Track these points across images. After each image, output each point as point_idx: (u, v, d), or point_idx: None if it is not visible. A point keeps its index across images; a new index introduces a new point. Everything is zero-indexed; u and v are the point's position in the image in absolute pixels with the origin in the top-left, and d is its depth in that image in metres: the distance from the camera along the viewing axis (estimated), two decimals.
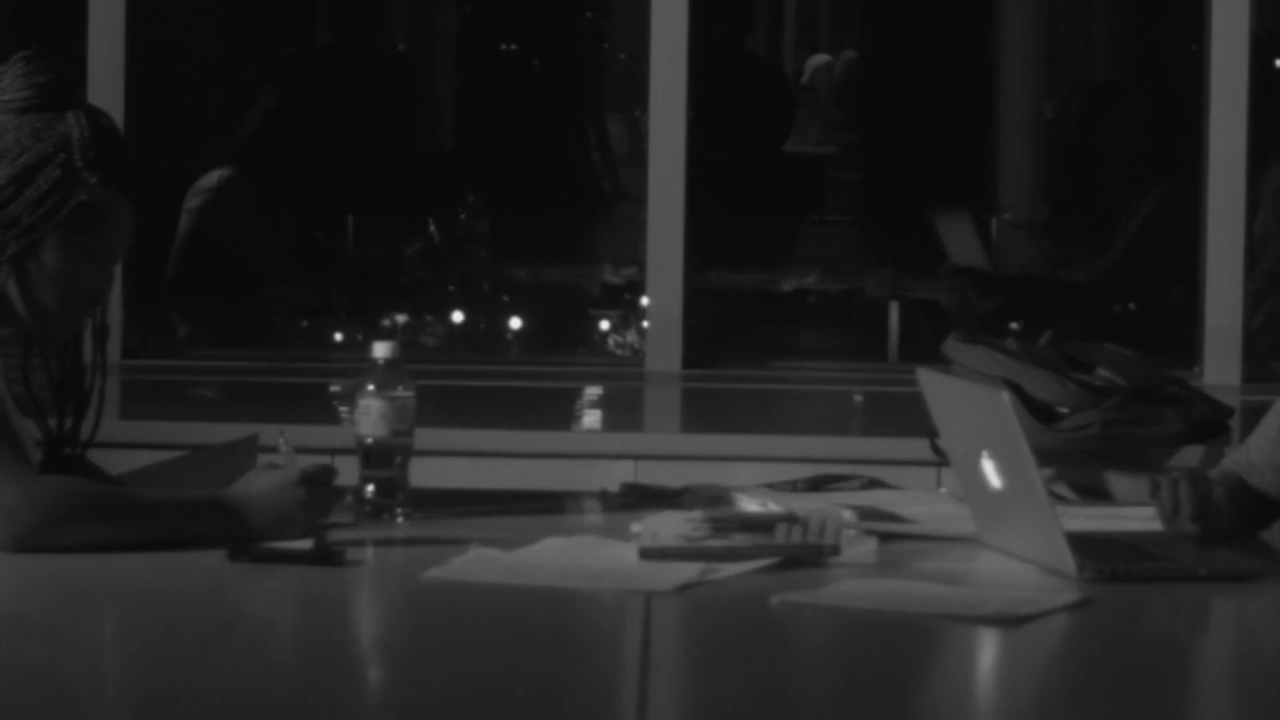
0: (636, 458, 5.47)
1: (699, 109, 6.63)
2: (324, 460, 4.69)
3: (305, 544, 4.37)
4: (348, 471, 4.79)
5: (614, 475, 5.13)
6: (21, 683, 3.70)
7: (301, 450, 4.71)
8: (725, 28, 10.23)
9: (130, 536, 4.31)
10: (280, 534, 4.35)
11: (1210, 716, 3.88)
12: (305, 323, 8.07)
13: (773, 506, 4.77)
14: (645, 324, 6.69)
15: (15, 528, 4.19)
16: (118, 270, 4.76)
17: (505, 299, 8.24)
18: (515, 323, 7.95)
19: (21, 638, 3.91)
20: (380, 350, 4.77)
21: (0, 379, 4.39)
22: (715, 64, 9.42)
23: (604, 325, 7.60)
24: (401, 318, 7.85)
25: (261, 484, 4.48)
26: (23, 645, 3.87)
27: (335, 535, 4.47)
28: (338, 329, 7.72)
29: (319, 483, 4.49)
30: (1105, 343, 5.76)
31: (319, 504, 4.43)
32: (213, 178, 8.15)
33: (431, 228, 8.64)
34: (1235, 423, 5.56)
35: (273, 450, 4.70)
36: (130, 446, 5.00)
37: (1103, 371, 5.53)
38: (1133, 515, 4.79)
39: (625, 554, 4.37)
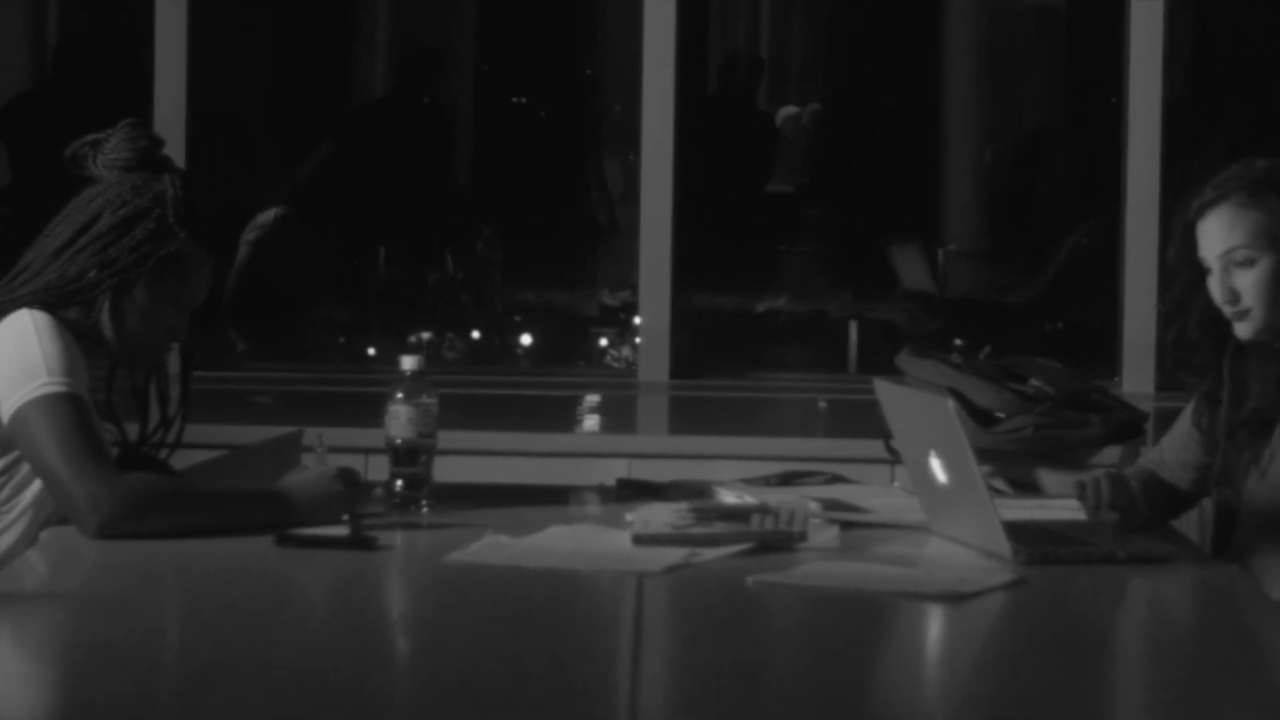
0: (630, 456, 5.46)
1: (690, 150, 6.62)
2: (354, 462, 4.70)
3: (342, 531, 4.37)
4: (379, 468, 4.78)
5: (610, 472, 5.13)
6: (97, 653, 3.71)
7: (339, 449, 4.72)
8: (721, 82, 10.27)
9: (197, 524, 4.32)
10: (320, 520, 4.36)
11: (1128, 680, 3.88)
12: (343, 339, 8.07)
13: (748, 499, 4.77)
14: (638, 340, 6.68)
15: (101, 517, 4.19)
16: None
17: (516, 318, 8.24)
18: (525, 339, 7.95)
19: (98, 614, 3.91)
20: (408, 363, 4.77)
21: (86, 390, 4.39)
22: (709, 113, 9.46)
23: (602, 341, 7.60)
24: (426, 335, 7.84)
25: (304, 478, 4.50)
26: (99, 620, 3.88)
27: (369, 523, 4.46)
28: (371, 345, 7.72)
29: (348, 481, 4.50)
30: (1037, 357, 5.76)
31: (350, 496, 4.44)
32: (268, 215, 8.17)
33: (448, 260, 8.64)
34: (1150, 426, 5.56)
35: (309, 450, 4.71)
36: (194, 446, 4.98)
37: (1035, 382, 5.53)
38: (1060, 506, 4.80)
39: (620, 540, 4.37)
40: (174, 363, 4.79)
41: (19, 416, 4.27)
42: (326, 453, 4.63)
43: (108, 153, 4.55)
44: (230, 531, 4.33)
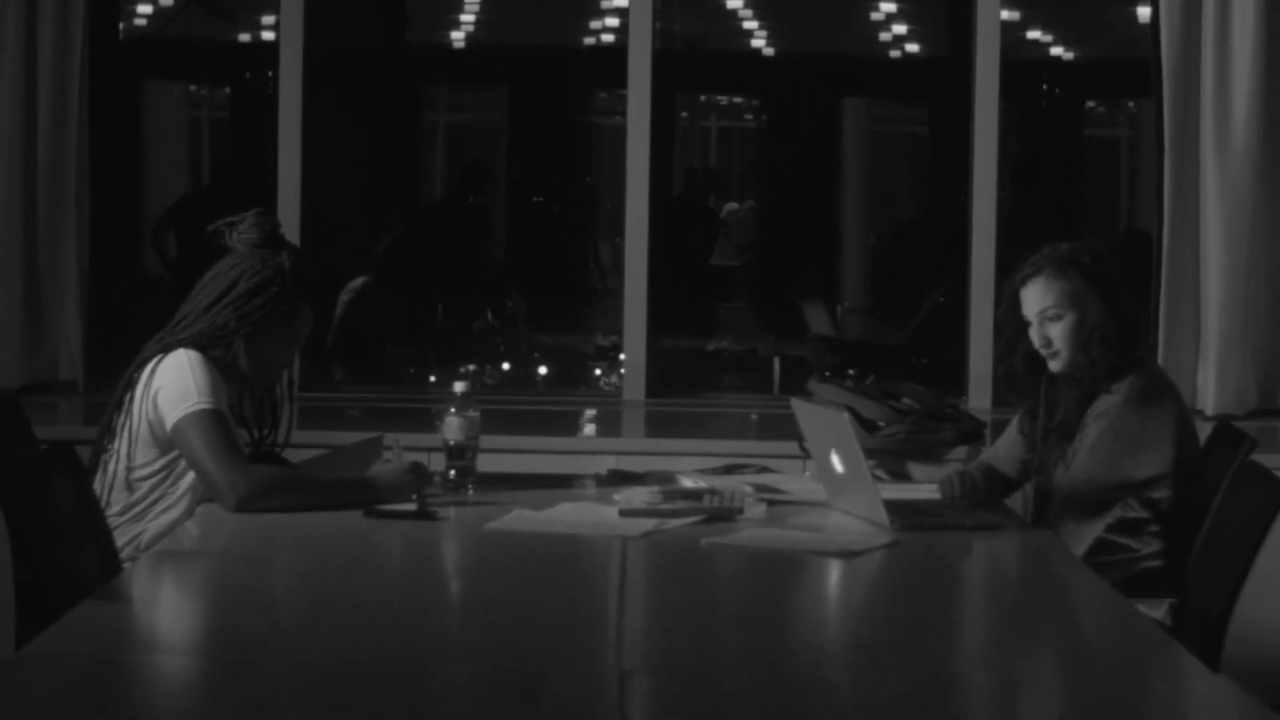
0: (616, 454, 5.44)
1: (660, 236, 6.61)
2: (420, 458, 4.69)
3: (412, 507, 4.37)
4: (438, 462, 4.78)
5: (602, 465, 5.11)
6: (235, 595, 3.72)
7: (409, 448, 4.71)
8: (684, 187, 10.26)
9: (307, 503, 4.32)
10: (395, 500, 4.36)
11: (972, 612, 3.90)
12: (412, 370, 8.04)
13: (701, 483, 4.76)
14: (622, 370, 6.66)
15: (237, 498, 4.20)
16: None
17: (535, 355, 8.21)
18: (542, 370, 7.92)
19: (234, 565, 3.91)
20: (458, 387, 4.76)
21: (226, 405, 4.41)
22: (674, 209, 9.46)
23: (597, 371, 7.58)
24: (471, 366, 7.81)
25: (385, 469, 4.50)
26: (235, 569, 3.88)
27: (431, 502, 4.46)
28: (431, 374, 7.69)
29: (416, 472, 4.51)
30: (908, 382, 5.76)
31: (417, 483, 4.44)
32: (357, 282, 8.16)
33: (488, 313, 8.63)
34: (988, 432, 5.56)
35: (389, 449, 4.71)
36: (305, 446, 4.98)
37: (906, 400, 5.53)
38: (924, 489, 4.79)
39: (610, 514, 4.35)
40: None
41: (178, 426, 4.28)
42: (402, 452, 4.64)
43: (241, 231, 4.55)
44: (331, 508, 4.33)
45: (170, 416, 4.30)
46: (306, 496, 4.37)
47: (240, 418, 4.59)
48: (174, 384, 4.33)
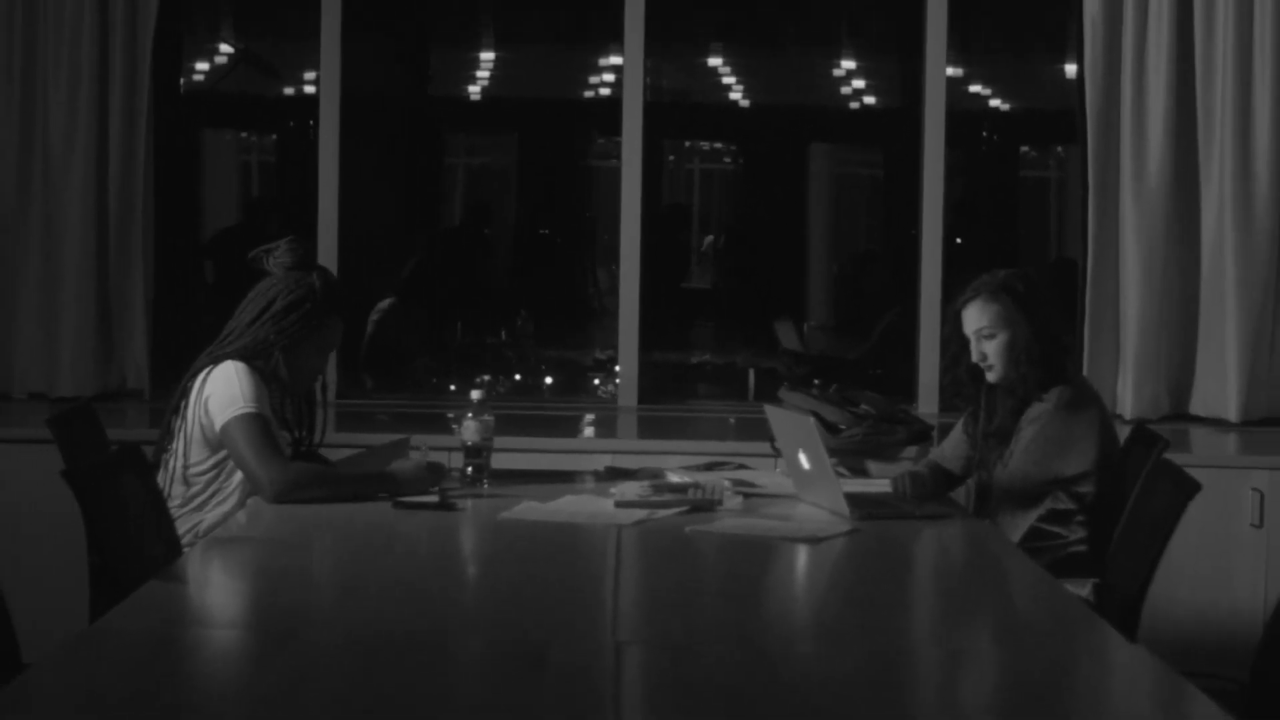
0: (612, 453, 5.43)
1: (650, 264, 6.61)
2: (441, 457, 4.69)
3: (434, 498, 4.37)
4: (457, 459, 4.77)
5: (600, 462, 5.11)
6: (279, 576, 3.72)
7: (433, 447, 4.72)
8: (669, 220, 10.24)
9: (336, 495, 4.32)
10: (414, 492, 4.36)
11: (921, 590, 3.91)
12: (434, 379, 8.04)
13: (686, 478, 4.75)
14: (617, 380, 6.66)
15: (275, 491, 4.21)
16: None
17: (542, 367, 8.21)
18: (548, 380, 7.92)
19: (278, 550, 3.91)
20: (475, 394, 4.76)
21: (269, 408, 4.41)
22: (660, 241, 9.45)
23: (596, 381, 7.58)
24: (486, 377, 7.82)
25: (404, 466, 4.50)
26: (279, 553, 3.88)
27: (451, 494, 4.46)
28: (452, 383, 7.68)
29: (433, 470, 4.52)
30: (865, 390, 5.77)
31: (432, 479, 4.44)
32: (384, 303, 8.15)
33: (501, 331, 8.63)
34: (935, 434, 5.57)
35: (415, 449, 4.71)
36: (340, 446, 4.98)
37: (864, 406, 5.54)
38: (879, 484, 4.79)
39: (607, 505, 4.35)
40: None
41: (225, 428, 4.29)
42: (427, 452, 4.65)
43: (277, 256, 4.56)
44: (358, 500, 4.33)
45: (219, 419, 4.32)
46: (335, 489, 4.38)
47: (283, 420, 4.60)
48: (222, 391, 4.35)
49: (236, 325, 4.51)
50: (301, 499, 4.27)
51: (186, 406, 4.40)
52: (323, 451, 4.85)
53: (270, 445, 4.30)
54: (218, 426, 4.32)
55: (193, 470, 4.40)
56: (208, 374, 4.39)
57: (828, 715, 2.71)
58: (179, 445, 4.40)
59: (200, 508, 4.40)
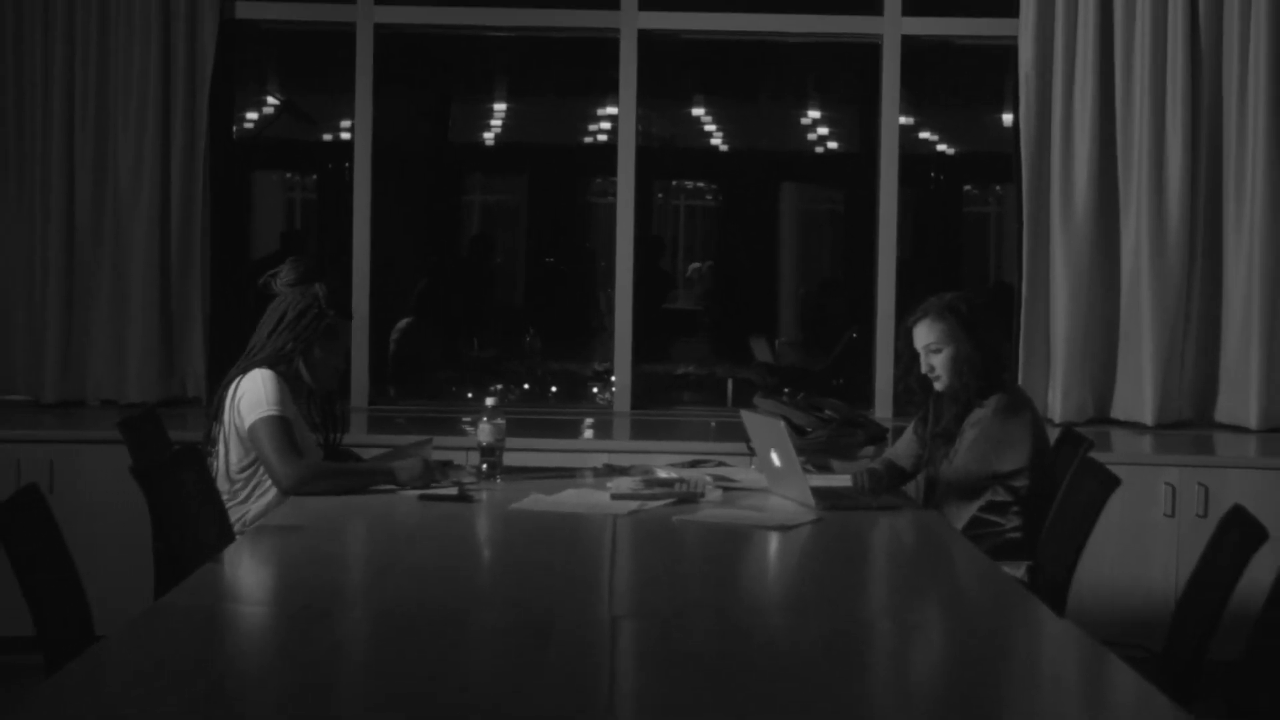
0: (609, 451, 5.42)
1: (640, 288, 6.60)
2: (457, 455, 4.68)
3: (454, 491, 4.36)
4: (473, 458, 4.77)
5: (599, 459, 5.11)
6: (317, 559, 3.71)
7: (453, 448, 4.73)
8: (649, 249, 10.22)
9: (342, 488, 4.32)
10: (411, 486, 4.39)
11: (875, 570, 3.90)
12: (454, 388, 8.02)
13: (673, 474, 4.75)
14: (613, 389, 6.66)
15: (287, 484, 4.21)
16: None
17: (548, 377, 8.19)
18: (554, 389, 7.90)
19: (320, 537, 3.90)
20: (489, 401, 4.76)
21: (294, 409, 4.42)
22: (647, 268, 9.44)
23: (595, 390, 7.56)
24: (499, 386, 7.79)
25: (404, 463, 4.48)
26: (319, 540, 3.87)
27: (469, 488, 4.46)
28: (469, 392, 7.67)
29: (431, 466, 4.49)
30: (829, 397, 5.75)
31: (428, 475, 4.43)
32: (403, 322, 8.14)
33: (522, 360, 8.61)
34: (889, 435, 5.56)
35: (423, 442, 4.72)
36: (371, 446, 4.97)
37: (827, 411, 5.51)
38: (841, 479, 4.78)
39: (605, 497, 4.35)
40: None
41: (252, 427, 4.29)
42: (431, 450, 4.65)
43: (282, 276, 4.56)
44: (362, 491, 4.35)
45: (248, 420, 4.33)
46: (341, 482, 4.38)
47: (312, 423, 4.60)
48: (251, 395, 4.36)
49: (258, 340, 4.52)
50: (312, 491, 4.27)
51: (223, 412, 4.41)
52: (355, 450, 4.86)
53: (288, 444, 4.30)
54: (246, 426, 4.34)
55: (234, 468, 4.39)
56: (239, 382, 4.40)
57: (795, 679, 2.71)
58: (220, 448, 4.40)
59: (245, 500, 4.39)
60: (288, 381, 4.44)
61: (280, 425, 4.30)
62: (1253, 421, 6.19)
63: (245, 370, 4.43)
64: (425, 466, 4.49)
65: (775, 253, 10.49)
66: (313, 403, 4.62)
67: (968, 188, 10.65)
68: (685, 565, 3.75)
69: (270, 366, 4.43)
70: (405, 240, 9.38)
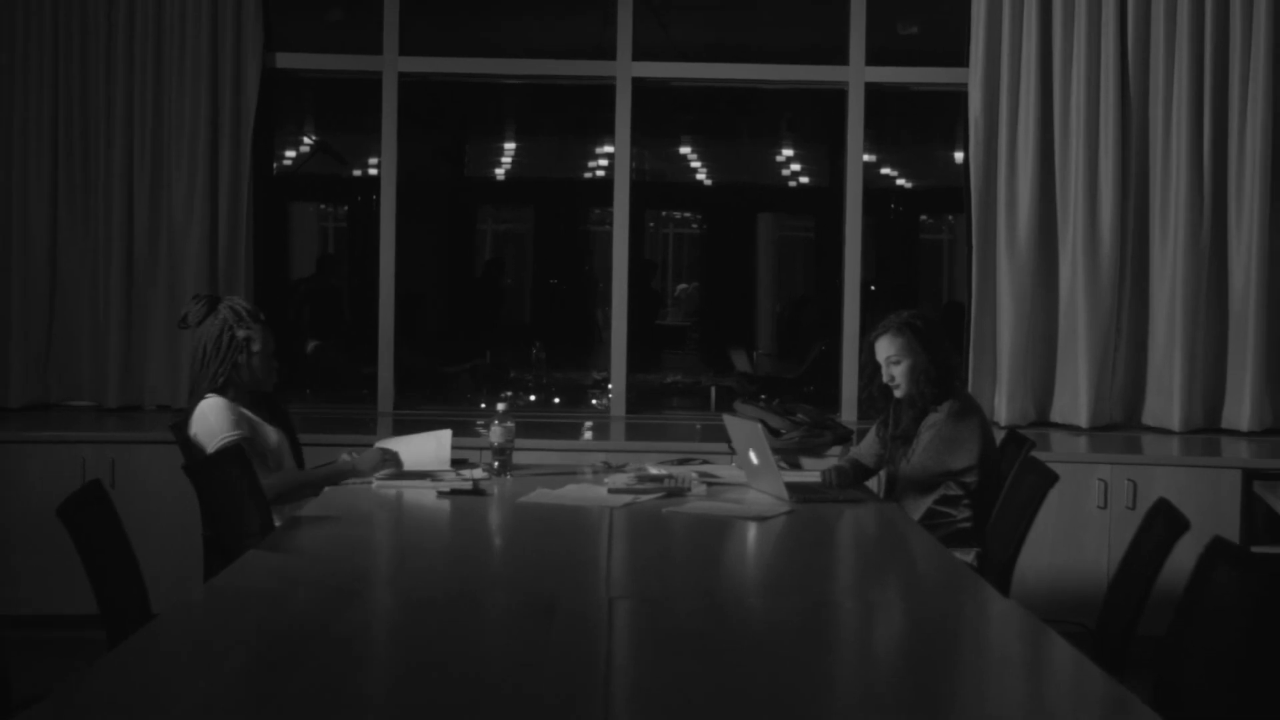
0: (606, 451, 5.43)
1: (634, 307, 6.59)
2: (471, 455, 4.65)
3: (468, 485, 4.36)
4: (486, 456, 4.76)
5: (597, 458, 5.11)
6: (348, 545, 3.71)
7: (469, 448, 4.71)
8: (642, 272, 10.22)
9: (313, 490, 4.33)
10: (372, 474, 4.41)
11: (844, 558, 3.90)
12: (469, 395, 8.01)
13: (663, 471, 4.76)
14: (610, 395, 6.66)
15: (270, 495, 4.17)
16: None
17: (552, 385, 8.19)
18: (556, 401, 7.89)
19: (350, 527, 3.89)
20: (500, 407, 4.76)
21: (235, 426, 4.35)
22: (640, 291, 9.44)
23: (594, 396, 7.55)
24: (509, 393, 7.78)
25: (362, 457, 4.50)
26: (349, 529, 3.86)
27: (483, 484, 4.46)
28: (483, 400, 7.65)
29: (383, 455, 4.51)
30: (801, 403, 5.77)
31: (385, 462, 4.46)
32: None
33: (530, 370, 8.61)
34: (854, 437, 5.56)
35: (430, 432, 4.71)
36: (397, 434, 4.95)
37: (799, 415, 5.53)
38: (811, 475, 4.78)
39: (602, 491, 4.35)
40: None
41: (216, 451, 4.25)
42: (382, 450, 4.58)
43: (190, 317, 4.52)
44: (326, 486, 4.36)
45: (210, 446, 4.30)
46: (311, 485, 4.36)
47: (266, 417, 4.52)
48: (203, 430, 4.33)
49: (192, 376, 4.49)
50: (289, 499, 4.27)
51: (191, 451, 4.36)
52: (371, 439, 4.83)
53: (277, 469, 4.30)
54: (210, 449, 4.30)
55: None
56: (190, 422, 4.37)
57: (770, 651, 2.72)
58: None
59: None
60: (238, 396, 4.42)
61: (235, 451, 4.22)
62: (1175, 424, 6.20)
63: (192, 407, 4.41)
64: (381, 456, 4.50)
65: (753, 275, 10.49)
66: (262, 403, 4.55)
67: (923, 217, 10.67)
68: (674, 551, 3.75)
69: (215, 393, 4.40)
70: (427, 264, 9.38)
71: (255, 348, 4.48)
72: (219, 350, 4.45)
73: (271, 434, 4.47)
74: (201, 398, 4.39)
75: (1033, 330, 6.29)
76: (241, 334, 4.47)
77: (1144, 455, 5.70)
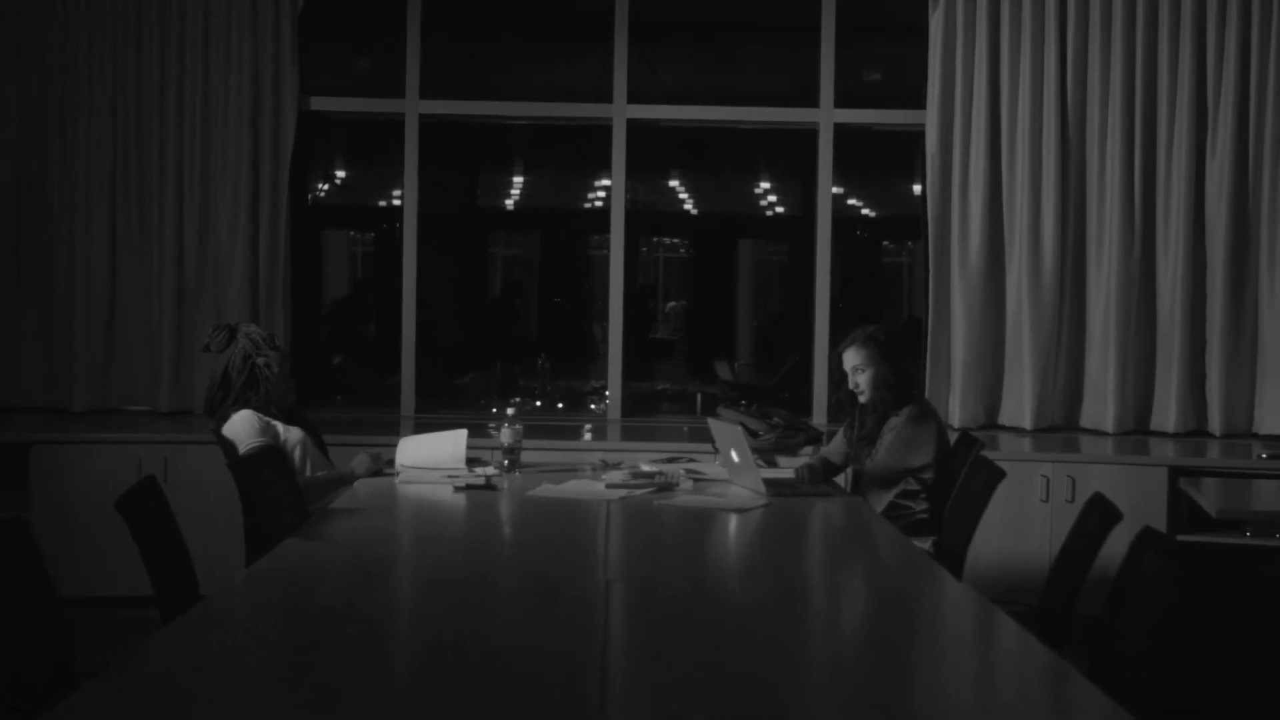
0: (604, 451, 5.43)
1: (629, 323, 6.60)
2: (484, 454, 4.63)
3: (481, 481, 4.36)
4: (496, 455, 4.75)
5: (596, 457, 5.11)
6: (373, 534, 3.70)
7: (483, 448, 4.70)
8: (636, 291, 10.21)
9: (328, 491, 4.32)
10: (368, 475, 4.40)
11: (815, 547, 3.89)
12: (482, 401, 8.00)
13: (654, 468, 4.76)
14: (607, 400, 6.65)
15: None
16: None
17: (555, 392, 8.17)
18: (559, 406, 7.88)
19: (375, 518, 3.89)
20: (509, 411, 4.76)
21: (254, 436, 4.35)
22: (636, 309, 9.42)
23: (593, 402, 7.54)
24: (518, 399, 7.77)
25: (358, 461, 4.49)
26: (374, 520, 3.85)
27: (494, 480, 4.45)
28: (493, 406, 7.63)
29: (375, 459, 4.50)
30: (777, 407, 5.76)
31: (377, 465, 4.46)
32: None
33: (536, 378, 8.59)
34: (825, 438, 5.55)
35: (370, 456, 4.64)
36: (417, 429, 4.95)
37: (776, 418, 5.52)
38: (786, 472, 4.78)
39: (600, 486, 4.36)
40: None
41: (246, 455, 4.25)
42: (380, 455, 4.56)
43: (213, 348, 4.53)
44: (335, 488, 4.35)
45: (241, 447, 4.30)
46: (323, 489, 4.35)
47: (289, 420, 4.52)
48: (241, 430, 4.34)
49: (209, 394, 4.49)
50: (307, 500, 4.26)
51: (225, 452, 4.37)
52: (394, 439, 4.80)
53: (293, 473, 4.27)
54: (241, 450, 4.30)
55: None
56: (224, 433, 4.37)
57: (749, 628, 2.72)
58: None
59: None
60: (262, 408, 4.43)
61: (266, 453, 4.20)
62: (1109, 426, 6.21)
63: (224, 418, 4.41)
64: (373, 460, 4.50)
65: (734, 294, 10.49)
66: (278, 414, 4.54)
67: (886, 243, 10.68)
68: (664, 540, 3.75)
69: (246, 405, 4.42)
70: (444, 285, 9.37)
71: (274, 370, 4.50)
72: (241, 372, 4.47)
73: (295, 433, 4.47)
74: (229, 414, 4.41)
75: (982, 342, 6.30)
76: (261, 361, 4.48)
77: (1081, 454, 5.70)
